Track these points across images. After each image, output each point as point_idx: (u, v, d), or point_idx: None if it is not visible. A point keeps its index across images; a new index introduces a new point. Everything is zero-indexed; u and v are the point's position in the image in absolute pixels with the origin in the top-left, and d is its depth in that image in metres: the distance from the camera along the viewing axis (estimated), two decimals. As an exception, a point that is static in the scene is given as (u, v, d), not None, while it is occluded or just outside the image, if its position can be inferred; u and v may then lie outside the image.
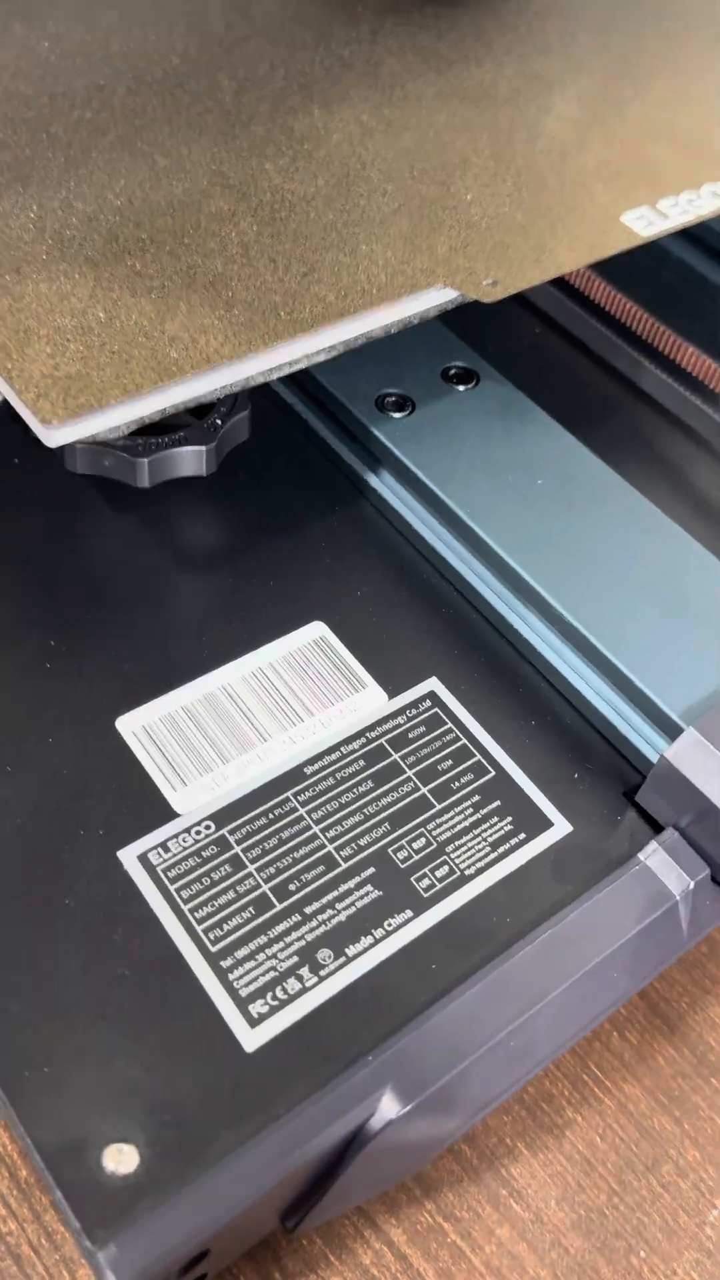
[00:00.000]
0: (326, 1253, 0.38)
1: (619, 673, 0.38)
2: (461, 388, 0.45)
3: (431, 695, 0.39)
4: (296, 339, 0.37)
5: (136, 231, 0.40)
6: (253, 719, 0.38)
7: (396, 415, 0.44)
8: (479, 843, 0.36)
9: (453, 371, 0.45)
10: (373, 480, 0.44)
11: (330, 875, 0.35)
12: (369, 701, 0.39)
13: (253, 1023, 0.32)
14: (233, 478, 0.44)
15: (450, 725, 0.39)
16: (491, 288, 0.40)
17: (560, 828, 0.37)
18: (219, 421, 0.41)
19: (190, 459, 0.40)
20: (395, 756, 0.38)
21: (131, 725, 0.37)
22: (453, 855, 0.36)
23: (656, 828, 0.37)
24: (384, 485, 0.44)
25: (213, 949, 0.33)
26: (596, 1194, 0.40)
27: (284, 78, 0.49)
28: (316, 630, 0.40)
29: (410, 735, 0.38)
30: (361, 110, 0.47)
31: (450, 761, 0.38)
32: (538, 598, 0.39)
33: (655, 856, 0.36)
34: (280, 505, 0.44)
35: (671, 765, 0.36)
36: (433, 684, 0.40)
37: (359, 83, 0.49)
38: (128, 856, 0.34)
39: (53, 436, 0.33)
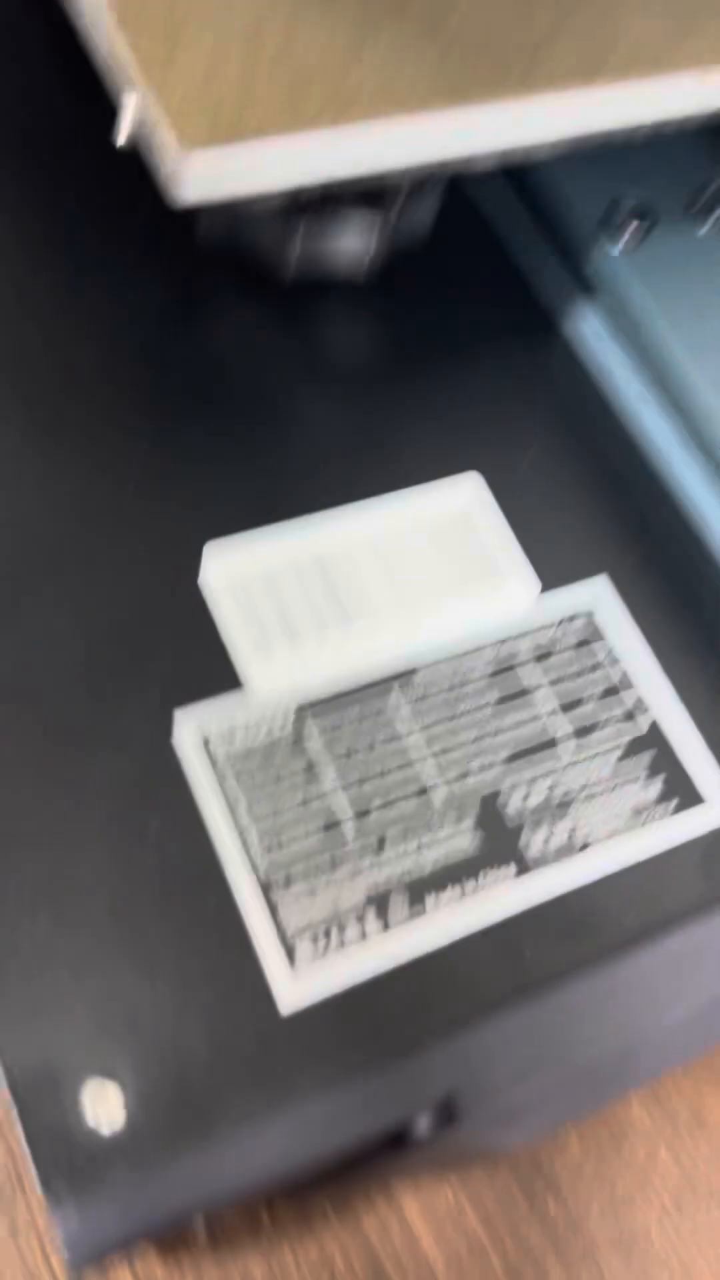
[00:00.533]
0: (326, 1207, 0.33)
1: None
2: (715, 215, 0.35)
3: (596, 600, 0.31)
4: (526, 103, 0.28)
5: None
6: (367, 585, 0.30)
7: (626, 238, 0.34)
8: (615, 806, 0.28)
9: (706, 196, 0.35)
10: (576, 314, 0.35)
11: (422, 807, 0.28)
12: (514, 595, 0.31)
13: (296, 971, 0.25)
14: (398, 288, 0.35)
15: (609, 646, 0.31)
16: None
17: (717, 810, 0.29)
18: (391, 215, 0.31)
19: (349, 254, 0.31)
20: (530, 676, 0.30)
21: (222, 570, 0.30)
22: (578, 815, 0.28)
23: None
24: (589, 323, 0.35)
25: (262, 867, 0.26)
26: (647, 1210, 0.34)
27: None
28: (470, 485, 0.32)
29: (555, 651, 0.30)
30: None
31: (599, 693, 0.30)
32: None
33: None
34: (452, 329, 0.35)
35: None
36: (599, 588, 0.31)
37: None
38: (184, 727, 0.28)
39: (187, 179, 0.25)
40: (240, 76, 0.26)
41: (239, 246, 0.31)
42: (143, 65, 0.24)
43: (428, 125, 0.27)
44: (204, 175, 0.25)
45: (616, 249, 0.33)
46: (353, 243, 0.31)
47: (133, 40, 0.25)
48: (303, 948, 0.26)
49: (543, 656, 0.30)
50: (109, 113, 0.25)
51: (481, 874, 0.27)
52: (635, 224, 0.34)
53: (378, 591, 0.30)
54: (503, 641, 0.30)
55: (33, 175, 0.35)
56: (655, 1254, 0.34)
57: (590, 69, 0.29)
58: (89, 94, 0.29)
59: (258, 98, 0.25)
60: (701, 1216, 0.34)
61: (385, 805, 0.27)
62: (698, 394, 0.31)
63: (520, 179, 0.36)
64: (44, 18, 0.37)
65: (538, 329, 0.36)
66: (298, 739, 0.28)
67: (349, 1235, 0.33)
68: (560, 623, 0.31)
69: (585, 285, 0.34)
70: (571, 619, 0.31)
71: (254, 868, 0.26)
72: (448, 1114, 0.25)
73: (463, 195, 0.38)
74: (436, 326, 0.35)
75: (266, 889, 0.26)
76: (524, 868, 0.27)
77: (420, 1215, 0.33)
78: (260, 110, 0.25)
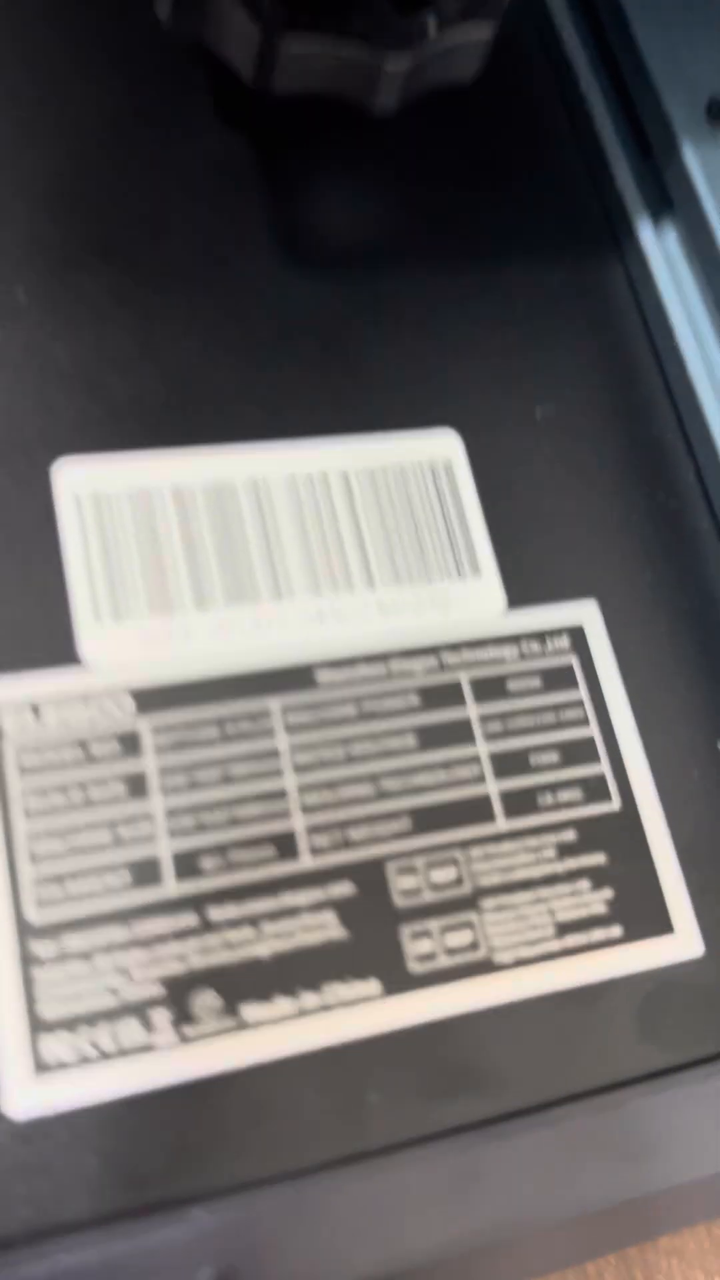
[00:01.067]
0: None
1: None
2: None
3: (575, 633, 0.23)
4: None
5: None
6: (275, 551, 0.22)
7: (731, 142, 0.25)
8: (542, 914, 0.21)
9: None
10: (645, 232, 0.26)
11: (278, 870, 0.20)
12: (473, 600, 0.23)
13: (40, 1067, 0.18)
14: (422, 134, 0.26)
15: (584, 697, 0.22)
16: None
17: (685, 944, 0.21)
18: (430, 29, 0.22)
19: (355, 69, 0.22)
20: (472, 710, 0.22)
21: (77, 482, 0.22)
22: (489, 918, 0.20)
23: None
24: (659, 247, 0.26)
25: (33, 917, 0.19)
26: None
27: None
28: (444, 444, 0.24)
29: (512, 685, 0.22)
30: None
31: (556, 756, 0.22)
32: None
33: None
34: (475, 211, 0.26)
35: None
36: (585, 613, 0.23)
37: None
38: (-28, 701, 0.20)
39: None
40: None
41: (210, 41, 0.22)
42: None
43: None
44: None
45: (706, 152, 0.24)
46: (370, 54, 0.22)
47: None
48: (58, 1038, 0.18)
49: (494, 685, 0.22)
50: None
51: (335, 978, 0.19)
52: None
53: (289, 559, 0.22)
54: (442, 654, 0.22)
55: None
56: None
57: None
58: None
59: None
60: None
61: (225, 861, 0.20)
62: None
63: (609, 45, 0.27)
64: None
65: (592, 238, 0.27)
66: (127, 740, 0.20)
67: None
68: (527, 648, 0.23)
69: (666, 195, 0.25)
70: (544, 647, 0.23)
71: (17, 910, 0.19)
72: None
73: (547, 31, 0.28)
74: (459, 202, 0.26)
75: (27, 941, 0.19)
76: (395, 978, 0.20)
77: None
78: None
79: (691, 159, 0.24)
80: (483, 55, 0.23)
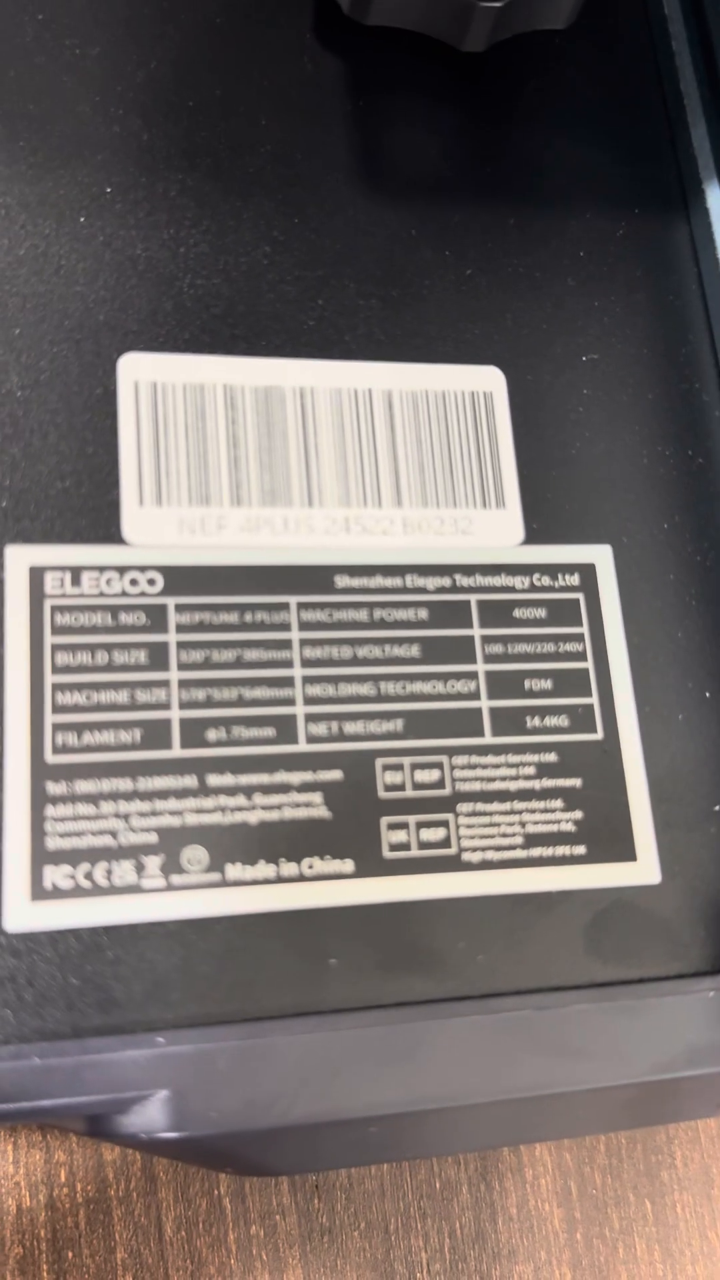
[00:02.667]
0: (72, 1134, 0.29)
1: None
2: None
3: (585, 571, 0.24)
4: None
5: None
6: (312, 462, 0.24)
7: None
8: (513, 824, 0.22)
9: None
10: (713, 197, 0.26)
11: (276, 750, 0.22)
12: (494, 529, 0.24)
13: (37, 894, 0.20)
14: (507, 74, 0.27)
15: (585, 633, 0.24)
16: None
17: (644, 871, 0.23)
18: (527, -31, 0.23)
19: (446, 9, 0.23)
20: (477, 631, 0.23)
21: (140, 373, 0.23)
22: (464, 819, 0.22)
23: (779, 954, 0.23)
24: (724, 216, 0.26)
25: (49, 756, 0.21)
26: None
27: None
28: (489, 381, 0.25)
29: (520, 612, 0.24)
30: None
31: (549, 683, 0.23)
32: None
33: (748, 997, 0.22)
34: (550, 155, 0.27)
35: None
36: (598, 556, 0.24)
37: None
38: (17, 559, 0.22)
39: None
40: None
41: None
42: None
43: None
44: None
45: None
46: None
47: None
48: (58, 868, 0.20)
49: (501, 610, 0.23)
50: None
51: (314, 852, 0.21)
52: None
53: (324, 467, 0.23)
54: (456, 575, 0.23)
55: None
56: None
57: None
58: None
59: None
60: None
61: (228, 734, 0.22)
62: None
63: (704, 11, 0.27)
64: None
65: (660, 197, 0.27)
66: (154, 614, 0.22)
67: (83, 1156, 0.29)
68: (538, 580, 0.24)
69: (736, 161, 0.26)
70: (554, 582, 0.24)
71: (37, 751, 0.21)
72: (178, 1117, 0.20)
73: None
74: (536, 145, 0.27)
75: (41, 780, 0.21)
76: (369, 861, 0.21)
77: (167, 1165, 0.29)
78: None
79: (765, 129, 0.25)
80: (576, 4, 0.24)
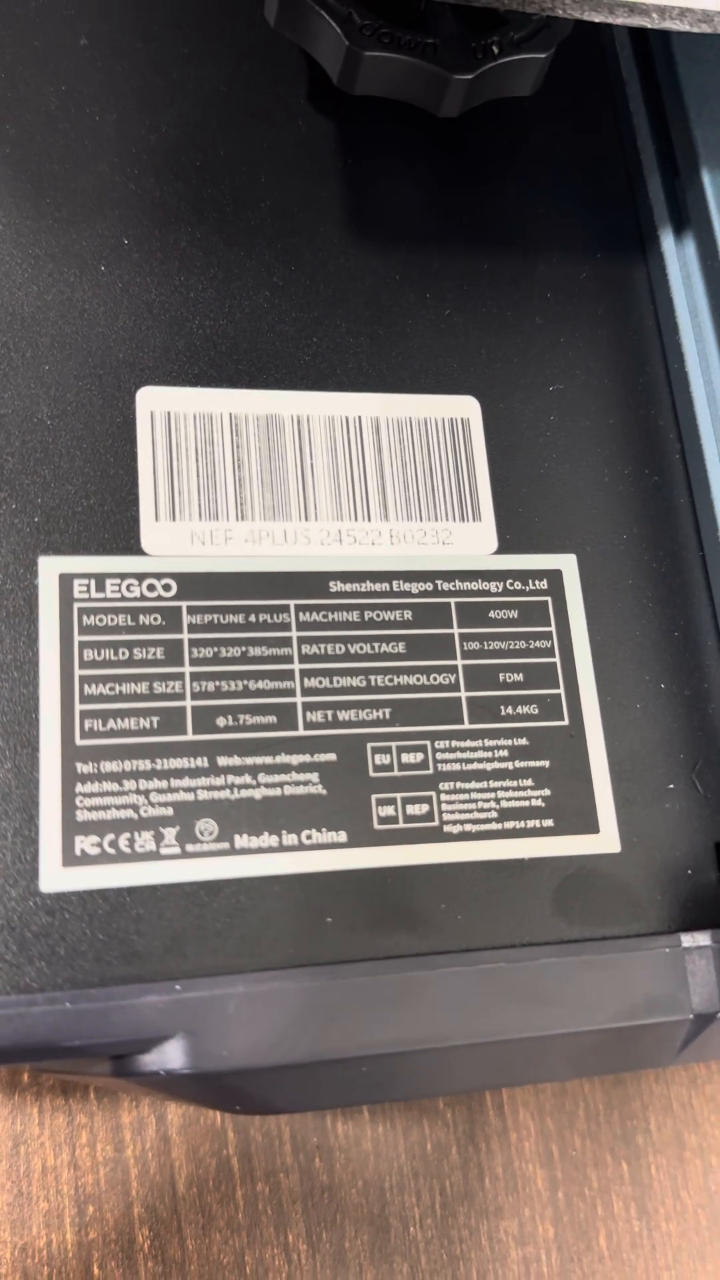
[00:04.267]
0: (90, 1090, 0.31)
1: None
2: None
3: (553, 577, 0.27)
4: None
5: None
6: (308, 481, 0.26)
7: (749, 171, 0.28)
8: (489, 800, 0.25)
9: None
10: (666, 241, 0.29)
11: (278, 734, 0.25)
12: (471, 539, 0.27)
13: (69, 860, 0.23)
14: (483, 134, 0.30)
15: (552, 629, 0.27)
16: None
17: (606, 841, 0.25)
18: (495, 49, 0.26)
19: (425, 80, 0.26)
20: (455, 630, 0.26)
21: (155, 404, 0.26)
22: (444, 795, 0.25)
23: (728, 915, 0.26)
24: (677, 257, 0.29)
25: (79, 739, 0.24)
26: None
27: None
28: (466, 409, 0.28)
29: (494, 613, 0.26)
30: None
31: (521, 676, 0.26)
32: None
33: (700, 953, 0.25)
34: (519, 207, 0.30)
35: None
36: (566, 563, 0.27)
37: None
38: (49, 568, 0.24)
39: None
40: None
41: (299, 31, 0.26)
42: None
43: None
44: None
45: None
46: (439, 69, 0.26)
47: None
48: (87, 837, 0.23)
49: (477, 612, 0.26)
50: None
51: (313, 824, 0.24)
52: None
53: (319, 486, 0.26)
54: (438, 581, 0.26)
55: None
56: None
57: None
58: None
59: None
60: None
61: (235, 720, 0.24)
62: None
63: (649, 68, 0.30)
64: None
65: (621, 242, 0.30)
66: (169, 615, 0.25)
67: (102, 1118, 0.31)
68: (510, 585, 0.27)
69: (684, 211, 0.29)
70: (525, 586, 0.27)
71: (67, 735, 0.23)
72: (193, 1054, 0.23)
73: (601, 49, 0.32)
74: (510, 200, 0.30)
75: (71, 759, 0.23)
76: (361, 831, 0.24)
77: (179, 1125, 0.31)
78: None
79: (709, 184, 0.28)
80: (540, 74, 0.27)
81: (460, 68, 0.26)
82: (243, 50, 0.29)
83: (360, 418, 0.27)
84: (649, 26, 0.25)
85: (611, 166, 0.31)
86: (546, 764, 0.26)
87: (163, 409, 0.26)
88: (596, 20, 0.25)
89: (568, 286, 0.29)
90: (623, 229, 0.30)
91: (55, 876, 0.23)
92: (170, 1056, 0.22)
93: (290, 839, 0.24)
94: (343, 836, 0.24)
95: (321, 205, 0.29)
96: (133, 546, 0.25)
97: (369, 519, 0.27)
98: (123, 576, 0.25)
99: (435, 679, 0.26)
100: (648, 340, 0.30)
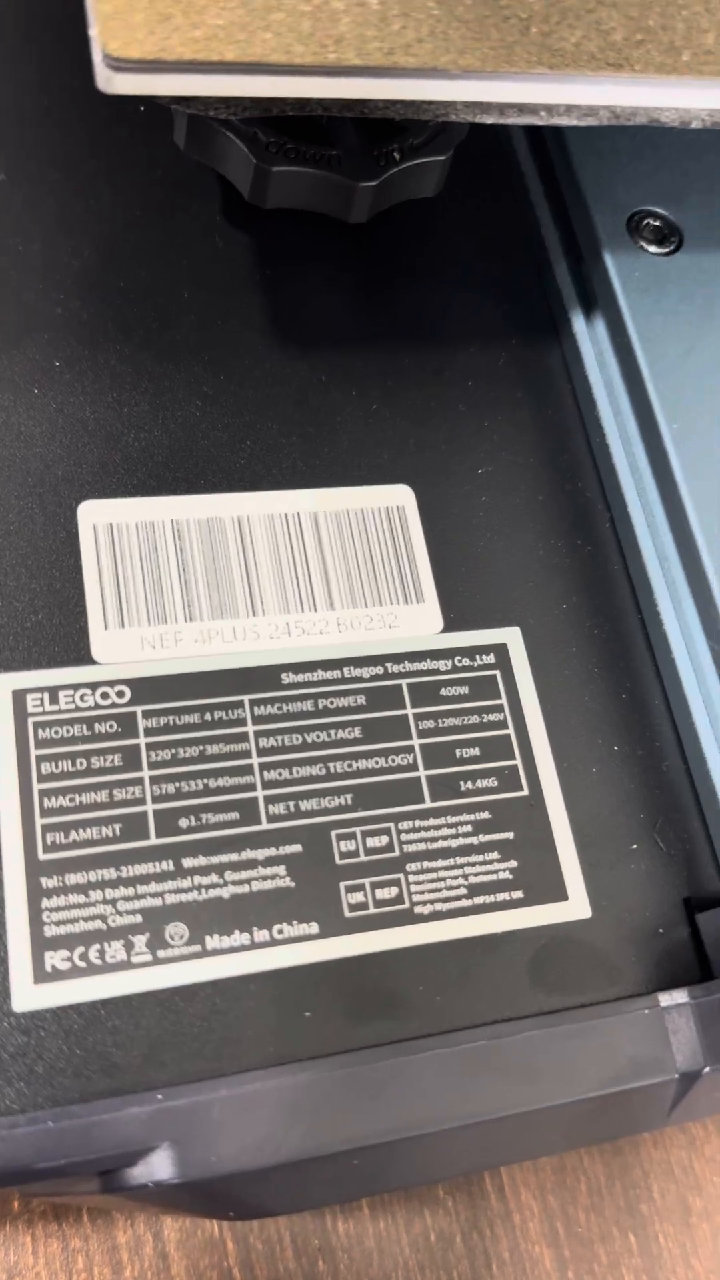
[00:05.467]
0: (83, 1211, 0.31)
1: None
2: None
3: (499, 651, 0.28)
4: (538, 76, 0.24)
5: None
6: (253, 578, 0.27)
7: (651, 248, 0.30)
8: (457, 877, 0.25)
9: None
10: (577, 323, 0.31)
11: (241, 830, 0.25)
12: (417, 621, 0.28)
13: (40, 977, 0.23)
14: (389, 237, 0.31)
15: (504, 704, 0.27)
16: None
17: (576, 908, 0.26)
18: (395, 156, 0.28)
19: (332, 190, 0.28)
20: (409, 711, 0.27)
21: (97, 517, 0.27)
22: (413, 877, 0.25)
23: (704, 971, 0.26)
24: (589, 336, 0.31)
25: (41, 854, 0.24)
26: None
27: None
28: (401, 497, 0.29)
29: (445, 691, 0.27)
30: None
31: (477, 750, 0.27)
32: (708, 598, 0.27)
33: (679, 1012, 0.25)
34: (434, 301, 0.31)
35: (764, 910, 0.24)
36: (510, 636, 0.28)
37: None
38: (2, 686, 0.25)
39: (114, 79, 0.22)
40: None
41: (208, 152, 0.28)
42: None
43: (406, 78, 0.23)
44: (128, 78, 0.21)
45: (624, 262, 0.29)
46: (344, 179, 0.28)
47: None
48: (56, 952, 0.23)
49: (429, 691, 0.27)
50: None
51: (283, 918, 0.24)
52: (655, 243, 0.30)
53: (264, 582, 0.27)
54: (387, 664, 0.27)
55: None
56: None
57: (634, 45, 0.25)
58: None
59: (210, 20, 0.22)
60: None
61: (198, 820, 0.25)
62: (670, 451, 0.27)
63: (547, 160, 0.32)
64: None
65: (539, 328, 0.32)
66: (124, 722, 0.25)
67: (98, 1240, 0.30)
68: (458, 662, 0.27)
69: (592, 293, 0.30)
70: (473, 662, 0.27)
71: (30, 851, 0.24)
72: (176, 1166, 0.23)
73: (501, 145, 0.34)
74: (425, 296, 0.31)
75: (36, 875, 0.23)
76: (332, 921, 0.24)
77: (177, 1241, 0.31)
78: (213, 30, 0.22)
79: (612, 266, 0.29)
80: (441, 175, 0.29)
81: (364, 176, 0.28)
82: (157, 173, 0.31)
83: (299, 514, 0.28)
84: (540, 123, 0.26)
85: (519, 255, 0.32)
86: (510, 836, 0.26)
87: (105, 521, 0.27)
88: (489, 121, 0.26)
89: (488, 373, 0.31)
90: (535, 314, 0.32)
91: (27, 995, 0.23)
92: (157, 1167, 0.22)
93: (262, 935, 0.24)
94: (314, 928, 0.24)
95: (244, 315, 0.30)
96: (84, 656, 0.25)
97: (315, 609, 0.27)
98: (76, 687, 0.25)
99: (393, 761, 0.26)
100: (568, 417, 0.31)
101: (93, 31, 0.22)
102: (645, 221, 0.30)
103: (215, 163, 0.28)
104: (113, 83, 0.22)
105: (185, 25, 0.22)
